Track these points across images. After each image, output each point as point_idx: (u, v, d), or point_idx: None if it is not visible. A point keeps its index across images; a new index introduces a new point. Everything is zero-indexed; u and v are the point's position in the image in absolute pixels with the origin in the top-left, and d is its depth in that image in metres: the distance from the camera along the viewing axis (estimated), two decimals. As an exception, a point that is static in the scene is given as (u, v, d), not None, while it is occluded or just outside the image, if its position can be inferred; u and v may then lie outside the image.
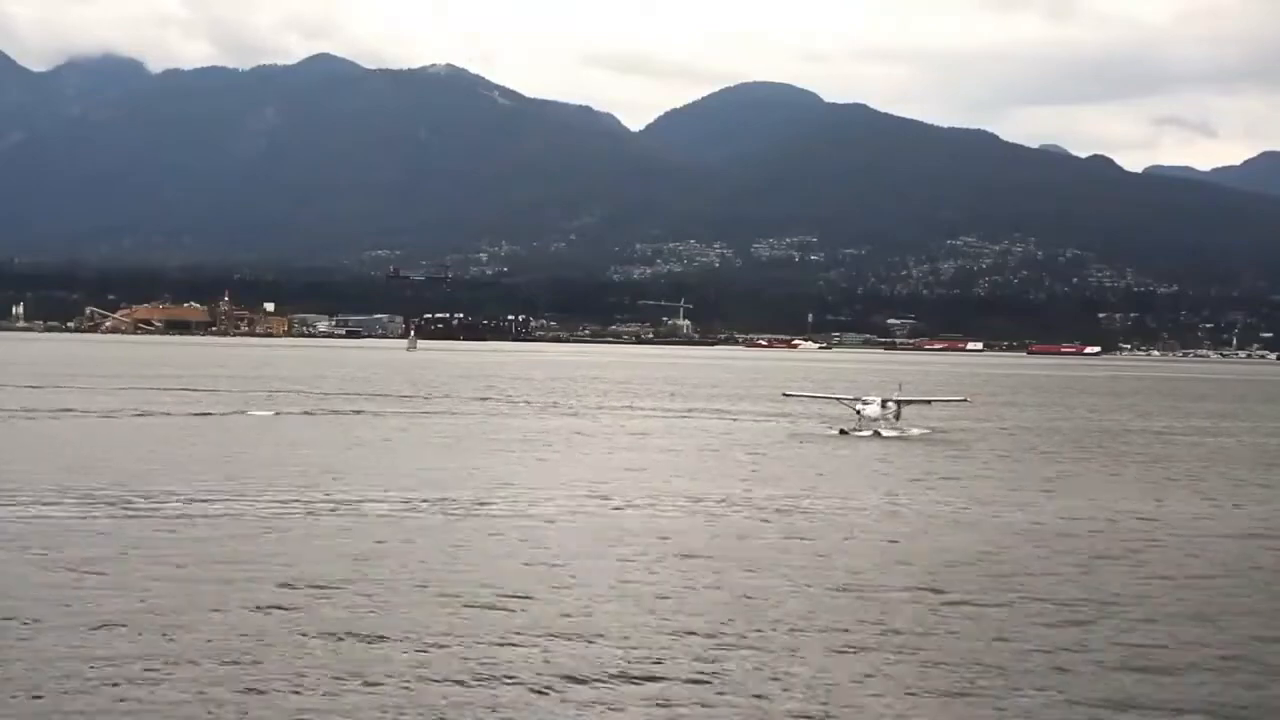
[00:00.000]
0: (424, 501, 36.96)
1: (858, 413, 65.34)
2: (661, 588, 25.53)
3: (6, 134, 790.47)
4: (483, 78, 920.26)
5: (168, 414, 70.26)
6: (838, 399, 69.77)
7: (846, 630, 22.41)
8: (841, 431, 64.46)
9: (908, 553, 30.45)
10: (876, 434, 63.42)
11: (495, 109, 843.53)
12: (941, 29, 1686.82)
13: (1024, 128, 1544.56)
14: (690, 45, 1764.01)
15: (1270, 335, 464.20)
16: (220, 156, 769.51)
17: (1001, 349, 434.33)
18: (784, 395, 78.11)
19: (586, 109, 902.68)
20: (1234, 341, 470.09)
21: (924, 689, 19.18)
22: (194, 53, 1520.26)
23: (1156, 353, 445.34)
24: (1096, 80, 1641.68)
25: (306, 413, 73.88)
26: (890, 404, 66.57)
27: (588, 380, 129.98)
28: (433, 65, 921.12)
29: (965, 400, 72.78)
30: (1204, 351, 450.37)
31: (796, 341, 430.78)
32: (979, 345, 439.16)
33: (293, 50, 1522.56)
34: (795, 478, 45.91)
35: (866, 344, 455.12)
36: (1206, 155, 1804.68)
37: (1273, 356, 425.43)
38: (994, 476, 48.79)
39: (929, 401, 70.23)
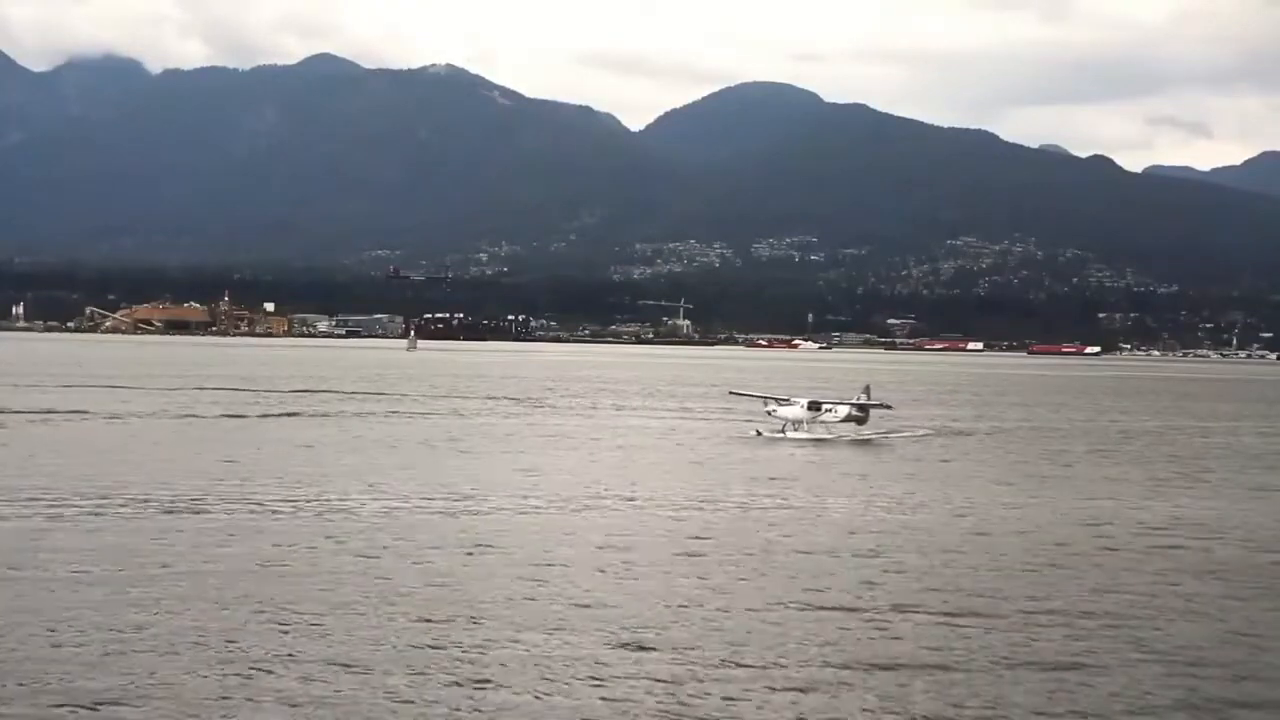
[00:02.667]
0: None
1: (769, 413, 63.70)
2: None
3: (6, 134, 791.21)
4: (483, 78, 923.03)
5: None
6: (770, 399, 66.55)
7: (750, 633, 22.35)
8: (757, 433, 63.15)
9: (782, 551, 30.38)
10: (785, 434, 61.84)
11: (495, 109, 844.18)
12: (939, 29, 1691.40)
13: (1023, 128, 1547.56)
14: (690, 45, 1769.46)
15: (1270, 335, 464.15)
16: (220, 156, 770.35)
17: (1002, 349, 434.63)
18: (730, 394, 75.41)
19: (586, 109, 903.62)
20: (1234, 341, 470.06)
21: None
22: (193, 53, 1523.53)
23: (1156, 353, 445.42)
24: (1091, 80, 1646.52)
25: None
26: (836, 407, 64.44)
27: (550, 380, 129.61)
28: (433, 65, 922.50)
29: (888, 407, 68.08)
30: (1204, 351, 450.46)
31: (796, 341, 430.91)
32: (979, 345, 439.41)
33: (289, 50, 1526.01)
34: (704, 477, 45.74)
35: (867, 344, 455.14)
36: (1202, 155, 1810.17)
37: (1273, 356, 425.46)
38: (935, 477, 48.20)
39: (853, 404, 66.10)
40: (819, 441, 60.73)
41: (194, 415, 68.79)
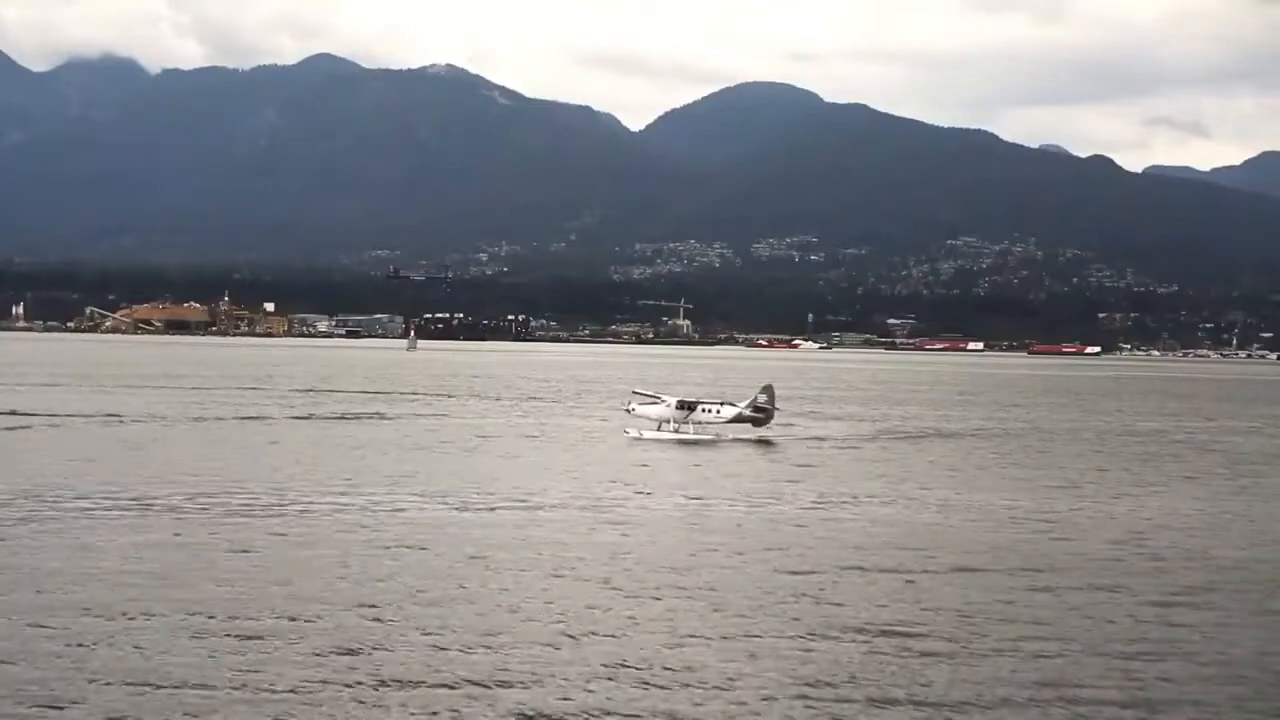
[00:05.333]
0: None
1: (628, 410, 62.44)
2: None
3: (6, 134, 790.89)
4: (483, 78, 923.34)
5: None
6: (659, 397, 64.08)
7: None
8: (626, 433, 61.36)
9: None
10: (640, 435, 60.14)
11: (495, 109, 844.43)
12: (938, 29, 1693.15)
13: (1023, 128, 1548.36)
14: (690, 45, 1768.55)
15: (1270, 335, 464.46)
16: (220, 156, 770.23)
17: (1002, 349, 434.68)
18: (634, 394, 69.84)
19: (586, 109, 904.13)
20: (1234, 341, 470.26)
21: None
22: (186, 52, 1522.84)
23: (1156, 353, 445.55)
24: (1086, 81, 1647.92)
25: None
26: (718, 408, 62.57)
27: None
28: (433, 65, 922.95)
29: (777, 409, 64.36)
30: (1204, 351, 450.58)
31: (797, 341, 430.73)
32: (979, 345, 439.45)
33: (285, 49, 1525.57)
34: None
35: (867, 344, 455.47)
36: (1200, 155, 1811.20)
37: (1273, 356, 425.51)
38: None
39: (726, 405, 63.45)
40: (686, 442, 58.57)
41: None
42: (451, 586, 25.40)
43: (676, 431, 60.62)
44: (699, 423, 61.46)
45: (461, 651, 20.68)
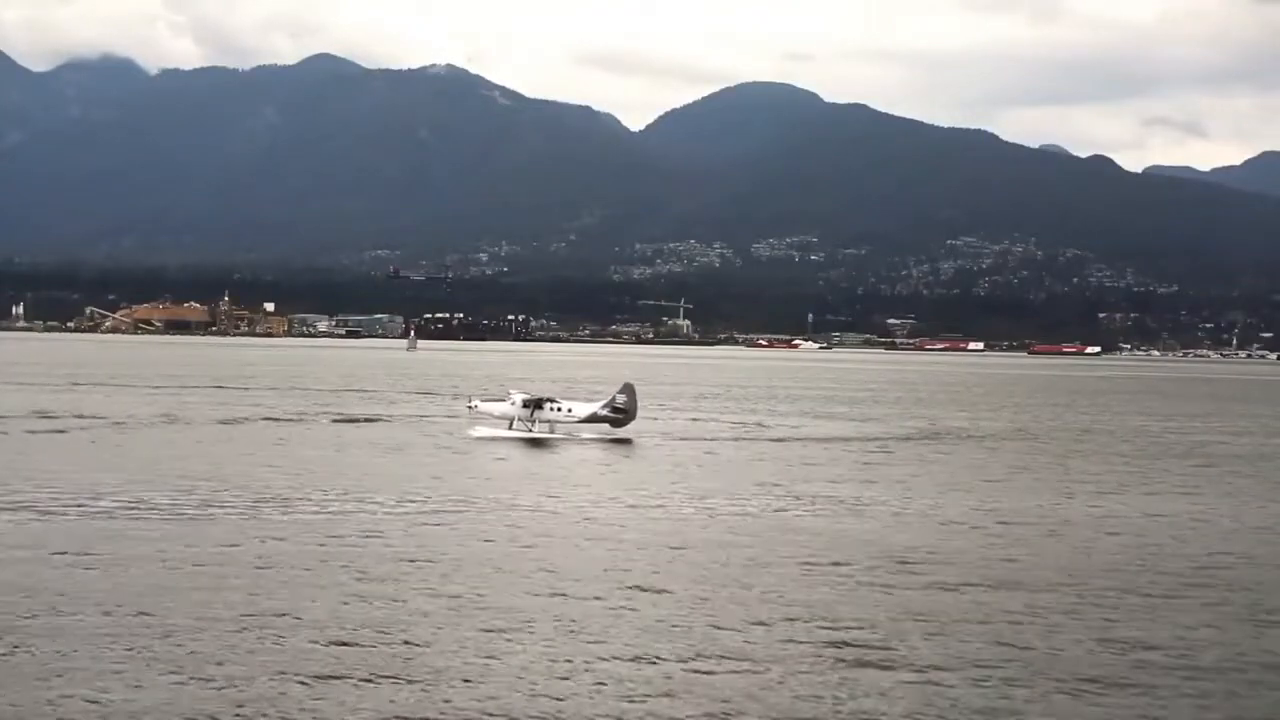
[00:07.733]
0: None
1: (470, 408, 61.61)
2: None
3: (6, 134, 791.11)
4: (483, 78, 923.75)
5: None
6: (521, 395, 62.13)
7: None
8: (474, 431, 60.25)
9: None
10: (481, 435, 59.22)
11: (495, 109, 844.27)
12: (936, 30, 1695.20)
13: (1023, 128, 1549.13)
14: (690, 45, 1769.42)
15: (1270, 335, 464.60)
16: (220, 156, 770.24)
17: (1002, 349, 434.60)
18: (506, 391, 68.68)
19: (586, 109, 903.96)
20: (1234, 341, 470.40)
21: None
22: (190, 53, 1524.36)
23: (1156, 353, 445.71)
24: (1084, 81, 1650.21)
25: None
26: (571, 406, 61.56)
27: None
28: (433, 65, 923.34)
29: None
30: (1204, 351, 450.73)
31: (797, 341, 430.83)
32: (980, 345, 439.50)
33: (282, 49, 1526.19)
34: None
35: (867, 344, 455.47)
36: (1197, 155, 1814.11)
37: (1273, 356, 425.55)
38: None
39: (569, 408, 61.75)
40: (535, 442, 57.36)
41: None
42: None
43: (530, 430, 59.44)
44: (547, 421, 60.28)
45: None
